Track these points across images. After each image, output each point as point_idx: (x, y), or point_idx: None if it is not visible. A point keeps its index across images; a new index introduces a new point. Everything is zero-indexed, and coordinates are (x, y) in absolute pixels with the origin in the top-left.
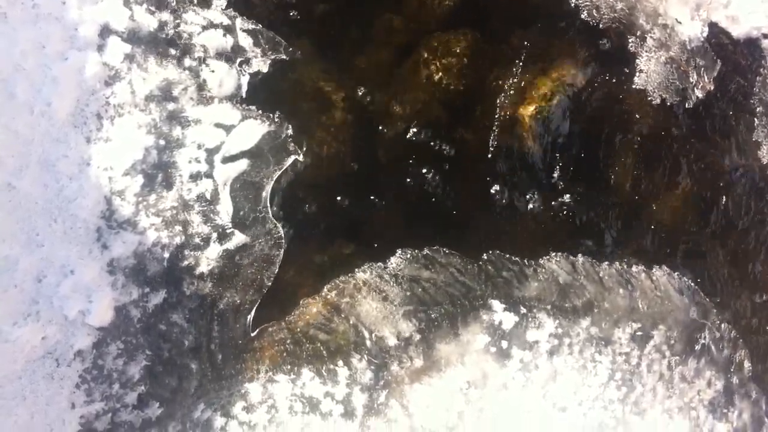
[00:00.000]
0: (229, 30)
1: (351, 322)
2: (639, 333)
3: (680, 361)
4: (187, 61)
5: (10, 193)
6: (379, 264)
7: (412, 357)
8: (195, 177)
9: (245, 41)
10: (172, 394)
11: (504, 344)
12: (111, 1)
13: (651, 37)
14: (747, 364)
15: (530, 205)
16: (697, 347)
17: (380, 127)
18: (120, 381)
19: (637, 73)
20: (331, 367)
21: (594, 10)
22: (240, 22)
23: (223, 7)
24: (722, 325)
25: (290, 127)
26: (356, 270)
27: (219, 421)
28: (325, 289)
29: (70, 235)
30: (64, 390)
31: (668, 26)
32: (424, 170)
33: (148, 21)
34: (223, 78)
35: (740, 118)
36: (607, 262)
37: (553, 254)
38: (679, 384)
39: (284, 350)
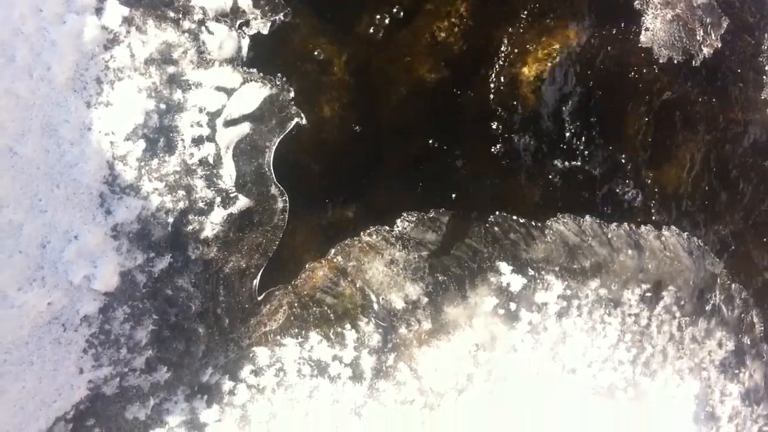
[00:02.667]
0: None
1: (358, 286)
2: (648, 294)
3: (690, 322)
4: (187, 24)
5: (12, 159)
6: (385, 227)
7: (420, 320)
8: (197, 141)
9: (244, 2)
10: (179, 358)
11: (512, 306)
12: None
13: None
14: (758, 325)
15: (536, 166)
16: (708, 308)
17: (383, 90)
18: (127, 345)
19: (643, 31)
20: (339, 330)
21: None
22: None
23: None
24: (733, 286)
25: (292, 90)
26: (362, 233)
27: (227, 384)
28: (331, 253)
29: (73, 200)
30: (71, 355)
31: None
32: (428, 132)
33: None
34: (223, 40)
35: (748, 76)
36: (615, 223)
37: (560, 215)
38: (690, 345)
39: (291, 314)
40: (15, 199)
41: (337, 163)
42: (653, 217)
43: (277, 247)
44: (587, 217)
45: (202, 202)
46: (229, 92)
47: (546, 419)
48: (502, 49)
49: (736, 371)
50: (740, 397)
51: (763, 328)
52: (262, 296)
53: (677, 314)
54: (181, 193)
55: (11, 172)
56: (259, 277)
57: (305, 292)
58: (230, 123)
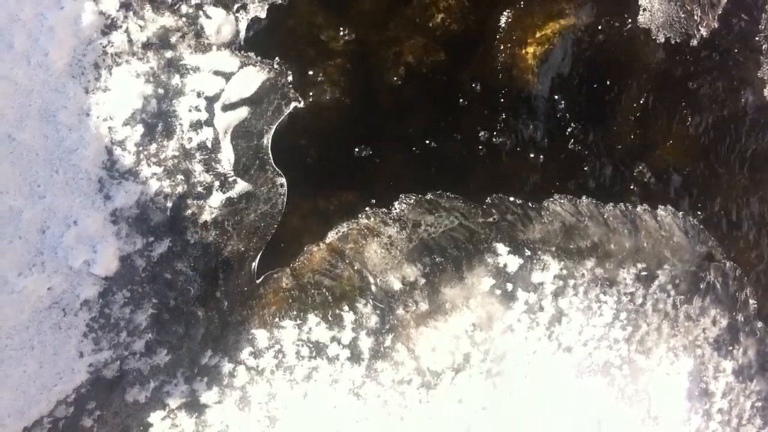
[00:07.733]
0: None
1: (356, 268)
2: (644, 273)
3: (685, 300)
4: (184, 8)
5: (11, 145)
6: (383, 209)
7: (417, 301)
8: (195, 125)
9: None
10: (179, 341)
11: (509, 287)
12: None
13: None
14: (752, 302)
15: (533, 147)
16: (702, 286)
17: (381, 72)
18: (127, 329)
19: (641, 12)
20: (337, 312)
21: None
22: None
23: None
24: (727, 264)
25: (290, 73)
26: (360, 216)
27: (227, 366)
28: (329, 235)
29: (72, 185)
30: (71, 339)
31: None
32: (426, 114)
33: None
34: (220, 24)
35: (746, 55)
36: (611, 203)
37: (557, 196)
38: (684, 323)
39: (290, 296)
40: (14, 186)
41: (335, 146)
42: (649, 197)
43: (276, 230)
44: (584, 197)
45: (201, 186)
46: (227, 76)
47: (542, 397)
48: (500, 30)
49: (730, 348)
50: (734, 373)
51: (756, 306)
52: (260, 279)
53: (672, 293)
54: (180, 177)
55: (10, 159)
56: (257, 260)
57: (304, 275)
58: (228, 107)
